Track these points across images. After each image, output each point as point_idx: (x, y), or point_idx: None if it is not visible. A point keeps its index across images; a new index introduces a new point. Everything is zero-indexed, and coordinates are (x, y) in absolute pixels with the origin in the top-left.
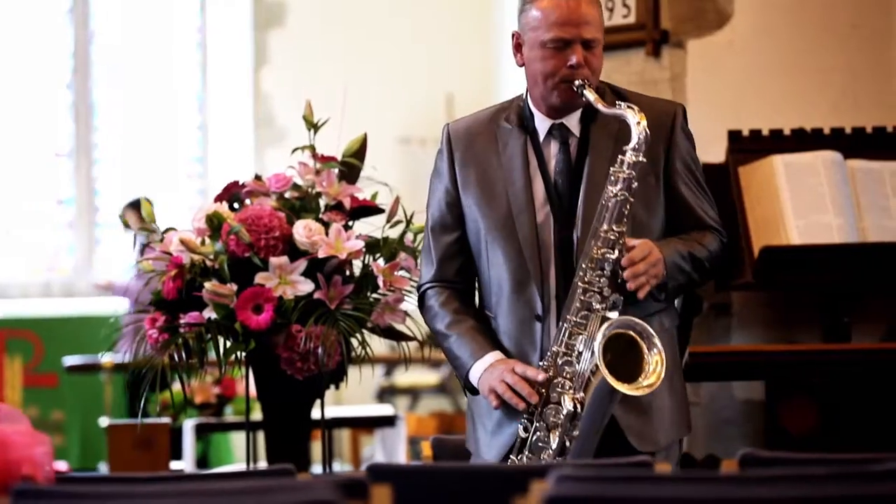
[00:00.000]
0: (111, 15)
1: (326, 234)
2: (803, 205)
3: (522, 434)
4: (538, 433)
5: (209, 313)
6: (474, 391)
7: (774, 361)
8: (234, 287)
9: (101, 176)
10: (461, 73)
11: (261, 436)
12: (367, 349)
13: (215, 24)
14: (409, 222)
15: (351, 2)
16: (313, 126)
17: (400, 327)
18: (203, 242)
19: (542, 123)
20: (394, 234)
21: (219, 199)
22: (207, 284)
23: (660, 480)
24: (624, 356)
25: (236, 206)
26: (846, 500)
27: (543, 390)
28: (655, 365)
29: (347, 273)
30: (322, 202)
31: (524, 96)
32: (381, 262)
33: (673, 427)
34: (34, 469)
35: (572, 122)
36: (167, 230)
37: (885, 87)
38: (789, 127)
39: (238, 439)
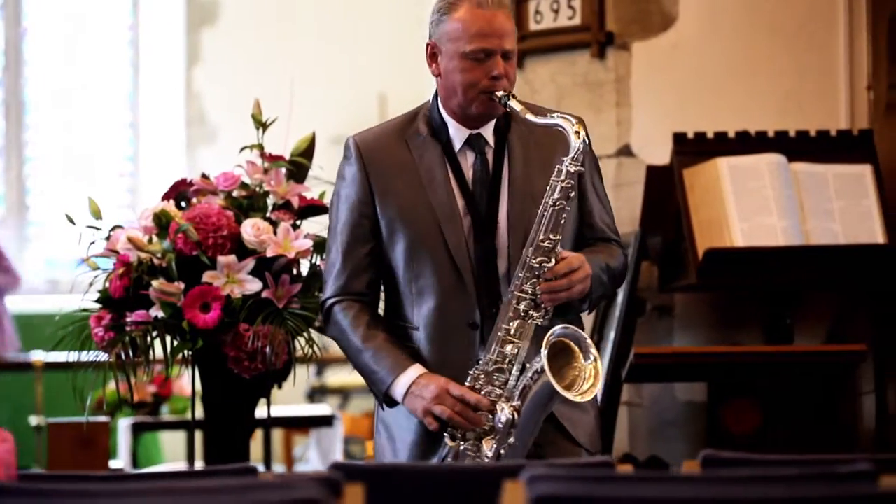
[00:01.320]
0: (43, 12)
1: (274, 233)
2: (748, 207)
3: (450, 443)
4: (469, 441)
5: (156, 312)
6: (392, 404)
7: (717, 363)
8: (182, 285)
9: (33, 174)
10: (393, 73)
11: (197, 435)
12: (315, 348)
13: (148, 22)
14: None
15: (283, 1)
16: (262, 125)
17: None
18: (150, 240)
19: (457, 133)
20: None
21: (166, 197)
22: (155, 283)
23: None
24: (559, 364)
25: (183, 204)
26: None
27: (488, 415)
28: (590, 371)
29: (295, 272)
30: (270, 201)
31: (431, 106)
32: None
33: (595, 437)
34: None
35: (487, 132)
36: (114, 228)
37: (830, 90)
38: (734, 129)
39: (167, 439)
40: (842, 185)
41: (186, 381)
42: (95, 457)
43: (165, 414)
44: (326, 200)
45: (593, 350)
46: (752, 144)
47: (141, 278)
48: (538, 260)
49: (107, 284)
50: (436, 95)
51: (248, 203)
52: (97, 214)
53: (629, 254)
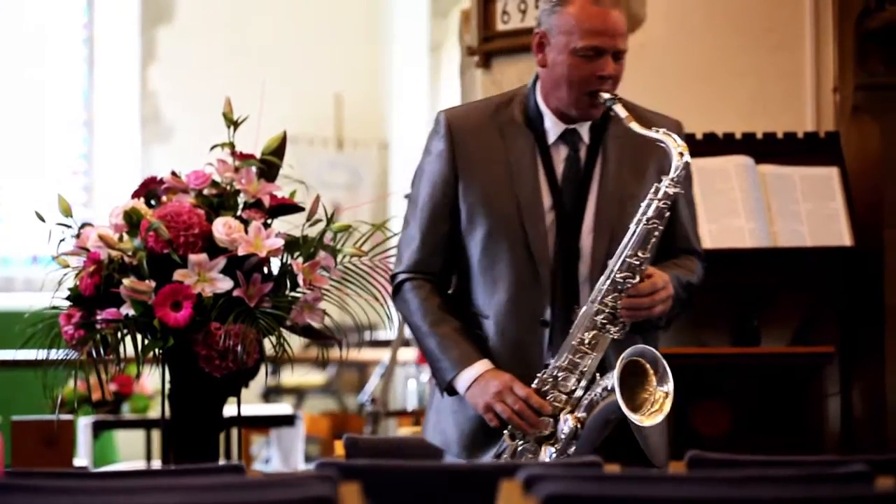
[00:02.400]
0: None
1: (246, 231)
2: (715, 209)
3: (508, 441)
4: (528, 443)
5: (127, 310)
6: (453, 394)
7: (684, 364)
8: (153, 284)
9: None
10: (349, 73)
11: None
12: (287, 347)
13: (103, 19)
14: (329, 221)
15: (239, 1)
16: (233, 123)
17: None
18: (121, 238)
19: (552, 126)
20: (312, 232)
21: (136, 195)
22: (126, 281)
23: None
24: (630, 383)
25: (153, 202)
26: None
27: (549, 420)
28: (660, 398)
29: (266, 271)
30: (241, 200)
31: (528, 93)
32: (300, 260)
33: (655, 449)
34: None
35: (583, 128)
36: (83, 225)
37: (796, 92)
38: (701, 131)
39: (123, 438)
40: (809, 187)
41: (147, 380)
42: (59, 455)
43: (126, 412)
44: (297, 199)
45: (668, 375)
46: (719, 146)
47: (112, 276)
48: (623, 276)
49: (77, 282)
50: (534, 83)
51: (219, 201)
52: (67, 212)
53: None
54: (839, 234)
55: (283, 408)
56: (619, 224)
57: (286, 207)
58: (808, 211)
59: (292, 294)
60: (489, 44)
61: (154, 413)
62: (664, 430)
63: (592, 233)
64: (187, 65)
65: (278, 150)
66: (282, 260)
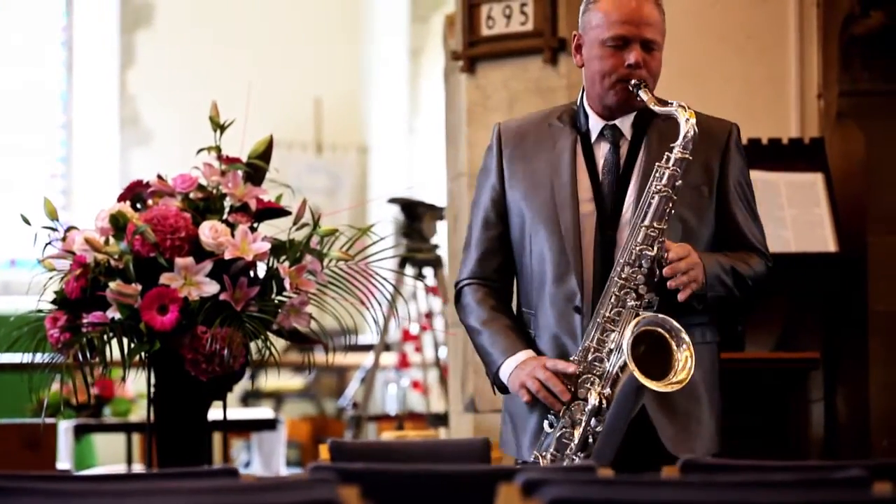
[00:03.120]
0: None
1: (232, 235)
2: None
3: (547, 429)
4: (564, 429)
5: (113, 313)
6: (503, 389)
7: None
8: (139, 287)
9: None
10: (329, 77)
11: (136, 438)
12: (273, 351)
13: (82, 23)
14: (316, 225)
15: (219, 4)
16: (220, 127)
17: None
18: (107, 242)
19: (595, 124)
20: (298, 236)
21: (122, 198)
22: (112, 284)
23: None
24: (654, 353)
25: (139, 206)
26: None
27: (571, 388)
28: (685, 362)
29: (252, 275)
30: (227, 203)
31: (578, 99)
32: (286, 264)
33: (710, 439)
34: None
35: (625, 124)
36: (69, 229)
37: (781, 98)
38: None
39: (101, 441)
40: (793, 193)
41: (129, 384)
42: (42, 458)
43: (107, 416)
44: (283, 203)
45: (685, 337)
46: None
47: (98, 279)
48: (641, 248)
49: (62, 286)
50: (583, 91)
51: (205, 205)
52: (53, 215)
53: None
54: (824, 239)
55: (264, 412)
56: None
57: (272, 211)
58: (792, 217)
59: (278, 298)
60: (474, 49)
61: (135, 417)
62: (707, 416)
63: (630, 224)
64: (166, 68)
65: (265, 153)
66: (268, 264)
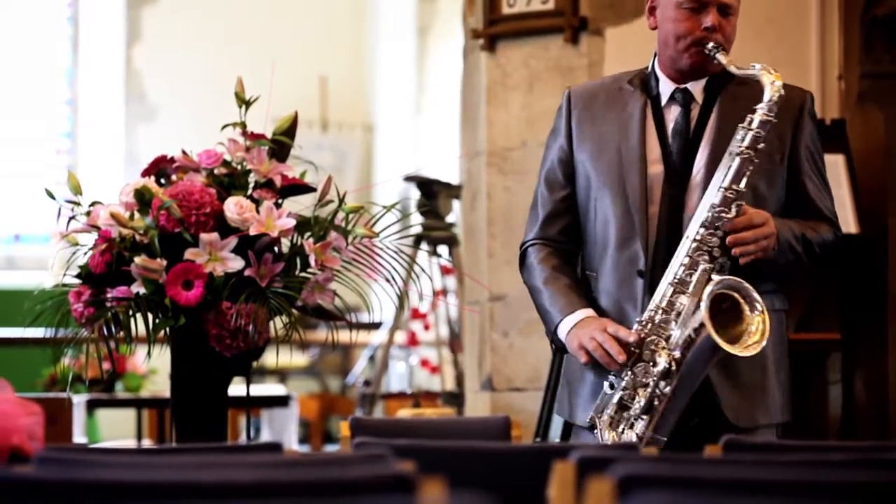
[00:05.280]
0: None
1: (257, 211)
2: None
3: (607, 390)
4: (626, 391)
5: (138, 288)
6: (562, 349)
7: None
8: (164, 262)
9: None
10: (334, 56)
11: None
12: (298, 329)
13: None
14: (341, 201)
15: None
16: (244, 102)
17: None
18: (132, 217)
19: (665, 87)
20: (322, 213)
21: (146, 173)
22: (137, 259)
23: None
24: (725, 318)
25: (163, 181)
26: (874, 487)
27: (636, 349)
28: (758, 325)
29: (277, 251)
30: (251, 179)
31: (650, 64)
32: (310, 240)
33: (775, 409)
34: (24, 440)
35: (696, 88)
36: (93, 203)
37: (802, 80)
38: None
39: (103, 417)
40: None
41: (140, 359)
42: (59, 433)
43: (119, 391)
44: (307, 179)
45: (759, 302)
46: None
47: (122, 254)
48: (719, 210)
49: (86, 260)
50: (655, 51)
51: (230, 181)
52: (77, 190)
53: None
54: (845, 221)
55: (276, 388)
56: None
57: (297, 188)
58: None
59: (302, 274)
60: (494, 27)
61: (146, 392)
62: (777, 383)
63: (700, 189)
64: (172, 44)
65: (289, 130)
66: (292, 240)
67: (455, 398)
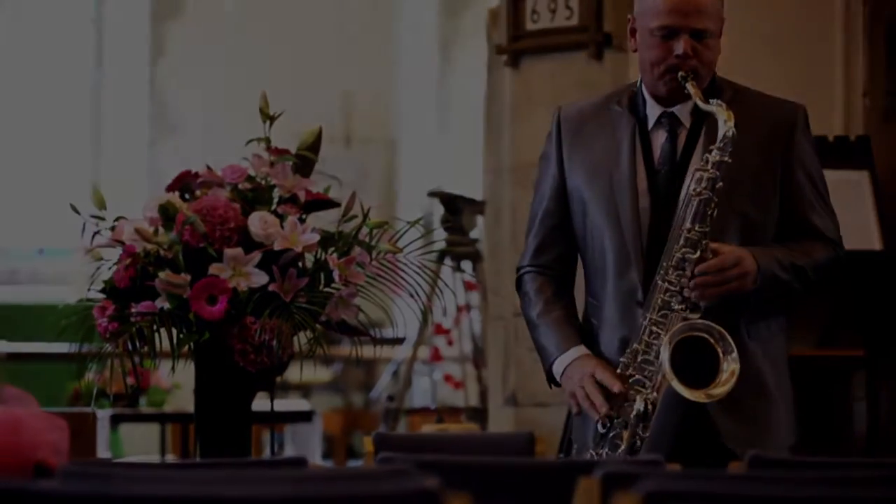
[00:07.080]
0: (5, 2)
1: (281, 226)
2: None
3: (601, 429)
4: (616, 430)
5: (162, 303)
6: (558, 384)
7: None
8: (188, 277)
9: None
10: (358, 70)
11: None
12: (322, 343)
13: (112, 14)
14: (366, 217)
15: None
16: (269, 118)
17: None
18: (156, 232)
19: (652, 110)
20: (346, 229)
21: (171, 188)
22: (161, 274)
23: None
24: (701, 359)
25: (187, 196)
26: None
27: (619, 397)
28: (730, 374)
29: (301, 266)
30: (276, 195)
31: (639, 81)
32: (335, 255)
33: (779, 434)
34: (50, 454)
35: (684, 112)
36: (118, 219)
37: (826, 97)
38: None
39: (125, 431)
40: (839, 191)
41: (163, 374)
42: (83, 448)
43: (143, 406)
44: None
45: (732, 347)
46: None
47: (147, 269)
48: (683, 251)
49: (111, 275)
50: None
51: (254, 196)
52: (101, 204)
53: None
54: (869, 238)
55: (299, 403)
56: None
57: (321, 203)
58: (838, 215)
59: (326, 290)
60: (518, 43)
61: (170, 407)
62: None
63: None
64: (196, 60)
65: (313, 145)
66: (316, 256)
67: (479, 413)
